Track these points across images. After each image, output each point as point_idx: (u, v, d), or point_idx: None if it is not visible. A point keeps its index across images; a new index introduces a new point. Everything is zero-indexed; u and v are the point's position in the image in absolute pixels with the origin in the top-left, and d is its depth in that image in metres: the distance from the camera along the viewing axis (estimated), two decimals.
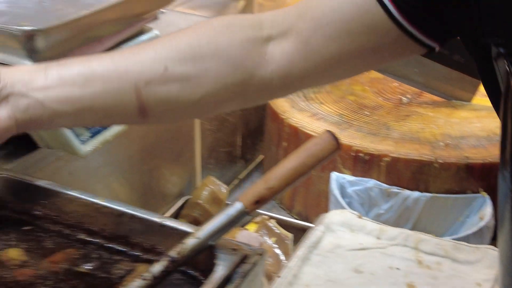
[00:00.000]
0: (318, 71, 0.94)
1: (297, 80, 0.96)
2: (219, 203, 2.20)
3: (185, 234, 1.12)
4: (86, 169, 1.70)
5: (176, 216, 2.15)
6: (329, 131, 1.07)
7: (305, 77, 0.95)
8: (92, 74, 0.91)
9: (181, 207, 2.18)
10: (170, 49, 0.92)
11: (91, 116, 0.94)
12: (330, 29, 0.89)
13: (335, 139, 1.06)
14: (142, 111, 0.94)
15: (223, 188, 2.21)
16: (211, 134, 2.32)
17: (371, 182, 2.02)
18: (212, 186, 2.19)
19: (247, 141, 2.59)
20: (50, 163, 1.58)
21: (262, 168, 2.66)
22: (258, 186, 1.10)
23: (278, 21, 0.94)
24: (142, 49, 0.96)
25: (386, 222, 1.85)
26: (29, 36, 1.36)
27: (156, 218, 1.20)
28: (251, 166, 2.67)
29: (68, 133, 1.48)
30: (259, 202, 1.09)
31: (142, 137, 1.92)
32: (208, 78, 0.90)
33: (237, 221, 1.09)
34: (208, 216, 2.19)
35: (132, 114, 0.96)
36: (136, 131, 1.85)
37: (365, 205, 2.05)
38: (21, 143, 1.54)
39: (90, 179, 1.75)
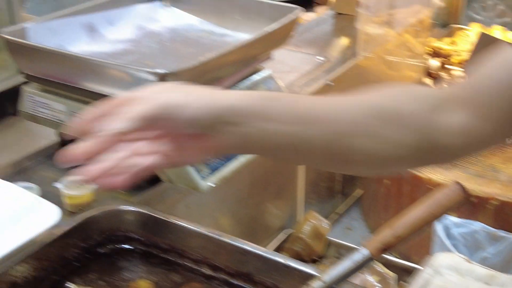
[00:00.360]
0: (496, 136, 0.96)
1: (475, 146, 0.98)
2: (320, 238, 2.23)
3: (307, 276, 1.16)
4: (199, 202, 1.77)
5: (278, 249, 2.19)
6: (458, 183, 1.08)
7: (483, 142, 0.97)
8: (316, 116, 0.92)
9: (284, 241, 2.22)
10: (366, 105, 0.95)
11: (291, 152, 0.95)
12: (506, 103, 0.92)
13: (465, 191, 1.07)
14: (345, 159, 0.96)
15: (325, 224, 2.24)
16: (313, 170, 2.36)
17: (477, 225, 2.00)
18: (314, 221, 2.23)
19: (346, 176, 2.61)
20: (169, 196, 1.66)
21: (360, 203, 2.67)
22: (384, 233, 1.12)
23: (455, 93, 0.97)
24: (345, 100, 0.97)
25: (492, 267, 1.82)
26: (162, 78, 1.44)
27: (280, 258, 1.24)
28: (350, 201, 2.68)
29: (190, 169, 1.55)
30: (386, 249, 1.11)
31: (251, 172, 1.98)
32: (391, 140, 0.93)
33: (362, 267, 1.12)
34: (310, 250, 2.22)
35: (329, 159, 0.97)
36: (247, 166, 1.91)
37: (470, 248, 2.02)
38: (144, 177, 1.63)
39: (202, 211, 1.82)
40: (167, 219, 1.36)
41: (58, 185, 1.48)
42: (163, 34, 1.95)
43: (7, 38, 1.58)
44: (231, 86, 1.75)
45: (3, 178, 1.59)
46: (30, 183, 1.49)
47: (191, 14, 2.02)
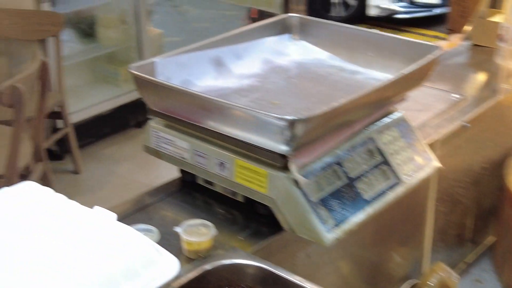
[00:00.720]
0: None
1: None
2: None
3: None
4: (321, 251, 1.66)
5: None
6: None
7: None
8: None
9: None
10: None
11: None
12: None
13: None
14: None
15: (454, 277, 2.06)
16: (442, 216, 2.19)
17: None
18: (442, 273, 2.06)
19: (478, 223, 2.41)
20: (290, 246, 1.57)
21: (492, 252, 2.46)
22: None
23: None
24: None
25: None
26: (291, 125, 1.35)
27: None
28: (480, 249, 2.48)
29: (315, 220, 1.45)
30: None
31: (377, 219, 1.84)
32: None
33: None
34: None
35: None
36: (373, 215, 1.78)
37: None
38: (265, 223, 1.55)
39: (323, 260, 1.71)
40: (289, 278, 1.26)
41: (178, 229, 1.43)
42: (290, 69, 1.87)
43: (134, 74, 1.55)
44: (360, 130, 1.64)
45: (124, 216, 1.57)
46: (150, 226, 1.44)
47: (320, 48, 1.93)
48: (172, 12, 7.25)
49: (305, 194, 1.47)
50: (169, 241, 1.46)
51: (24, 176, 2.66)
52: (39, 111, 2.61)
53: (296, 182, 1.46)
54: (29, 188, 1.33)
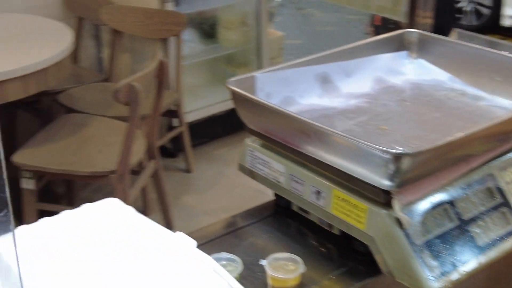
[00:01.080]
0: None
1: None
2: None
3: None
4: None
5: None
6: None
7: None
8: None
9: None
10: None
11: None
12: None
13: None
14: None
15: None
16: None
17: None
18: None
19: None
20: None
21: None
22: None
23: None
24: None
25: None
26: (396, 159, 1.20)
27: None
28: None
29: (418, 266, 1.29)
30: None
31: (491, 269, 1.63)
32: None
33: None
34: None
35: None
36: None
37: None
38: (361, 262, 1.41)
39: None
40: None
41: (264, 262, 1.31)
42: (405, 90, 1.70)
43: (232, 89, 1.46)
44: (479, 166, 1.44)
45: (212, 238, 1.49)
46: (233, 256, 1.34)
47: (440, 68, 1.74)
48: (296, 14, 7.18)
49: (408, 236, 1.30)
50: (255, 273, 1.36)
51: (136, 172, 2.67)
52: (155, 109, 2.60)
53: (399, 222, 1.30)
54: (111, 206, 1.27)
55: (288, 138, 1.43)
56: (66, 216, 1.24)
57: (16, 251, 1.02)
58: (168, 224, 2.88)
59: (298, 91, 1.61)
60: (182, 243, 1.17)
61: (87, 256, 1.13)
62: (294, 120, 1.38)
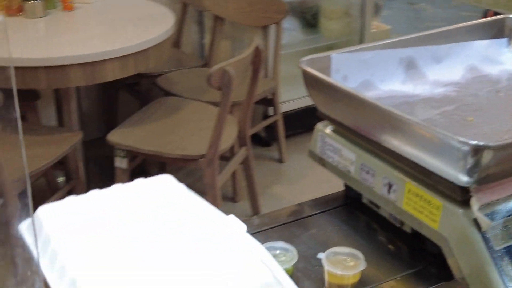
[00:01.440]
0: None
1: None
2: None
3: None
4: None
5: None
6: None
7: None
8: None
9: None
10: None
11: None
12: None
13: None
14: None
15: None
16: None
17: None
18: None
19: None
20: None
21: None
22: None
23: None
24: None
25: None
26: (476, 152, 1.06)
27: None
28: None
29: (495, 274, 1.14)
30: None
31: None
32: None
33: None
34: None
35: None
36: None
37: None
38: (433, 264, 1.28)
39: None
40: None
41: (322, 256, 1.21)
42: (500, 80, 1.54)
43: (304, 69, 1.36)
44: None
45: (276, 224, 1.40)
46: (289, 245, 1.24)
47: None
48: (407, 9, 6.92)
49: (486, 240, 1.16)
50: (313, 267, 1.26)
51: (227, 158, 2.64)
52: (249, 96, 2.55)
53: (476, 223, 1.15)
54: (164, 182, 1.21)
55: (362, 125, 1.32)
56: (118, 189, 1.20)
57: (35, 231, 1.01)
58: (255, 212, 2.84)
59: (379, 75, 1.49)
60: (232, 227, 1.10)
61: (131, 231, 1.08)
62: (370, 106, 1.25)
